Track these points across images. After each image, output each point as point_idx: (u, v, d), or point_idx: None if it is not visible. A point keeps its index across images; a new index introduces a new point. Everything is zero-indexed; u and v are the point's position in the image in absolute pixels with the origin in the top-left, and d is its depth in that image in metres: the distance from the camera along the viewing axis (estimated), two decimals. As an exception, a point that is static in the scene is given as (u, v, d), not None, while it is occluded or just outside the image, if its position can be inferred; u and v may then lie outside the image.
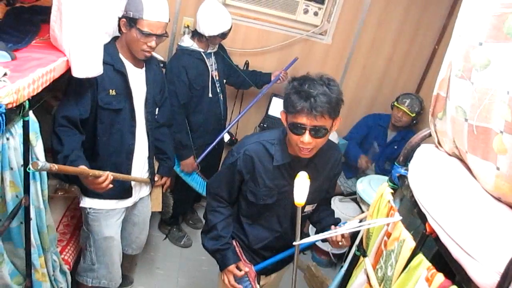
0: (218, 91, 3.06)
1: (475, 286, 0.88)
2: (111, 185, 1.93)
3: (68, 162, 1.84)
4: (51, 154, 1.90)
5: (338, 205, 3.34)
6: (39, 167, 1.44)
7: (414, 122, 3.29)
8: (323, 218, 2.07)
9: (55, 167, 1.54)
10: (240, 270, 1.91)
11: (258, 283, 2.00)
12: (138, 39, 1.98)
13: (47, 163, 1.49)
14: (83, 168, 1.81)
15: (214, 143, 3.07)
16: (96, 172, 1.86)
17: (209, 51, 2.94)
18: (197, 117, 2.98)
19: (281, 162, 1.81)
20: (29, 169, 1.45)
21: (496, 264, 0.84)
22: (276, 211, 1.94)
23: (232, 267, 1.91)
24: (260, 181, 1.85)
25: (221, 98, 3.11)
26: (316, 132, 1.61)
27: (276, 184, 1.86)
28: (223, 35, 2.83)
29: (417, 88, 3.67)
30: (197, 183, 3.15)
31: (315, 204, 2.00)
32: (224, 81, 3.13)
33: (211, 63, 2.97)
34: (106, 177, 1.89)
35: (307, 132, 1.61)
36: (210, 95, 2.95)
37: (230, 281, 1.91)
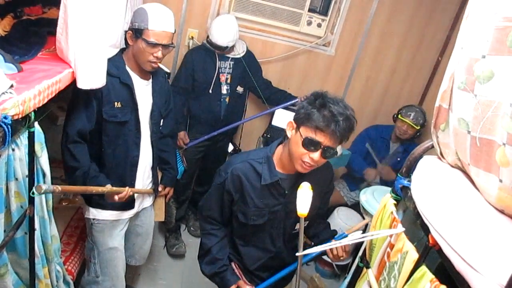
0: (225, 93, 3.19)
1: (479, 299, 0.87)
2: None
3: (88, 178, 1.97)
4: (56, 164, 1.92)
5: (342, 216, 3.32)
6: (43, 191, 1.48)
7: (418, 134, 3.29)
8: (320, 231, 2.04)
9: (58, 188, 1.58)
10: None
11: None
12: (144, 50, 1.99)
13: (51, 186, 1.55)
14: (87, 187, 1.92)
15: (206, 137, 3.18)
16: (114, 188, 2.01)
17: (228, 55, 3.11)
18: (194, 105, 3.20)
19: (269, 181, 1.76)
20: (33, 193, 1.47)
21: (499, 277, 0.84)
22: (268, 231, 1.91)
23: None
24: (249, 200, 1.80)
25: (226, 101, 3.21)
26: (326, 152, 1.60)
27: (266, 204, 1.82)
28: (217, 47, 2.99)
29: (420, 99, 3.67)
30: None
31: (307, 222, 1.96)
32: (240, 88, 3.25)
33: (225, 66, 3.13)
34: (127, 192, 2.08)
35: (320, 150, 1.59)
36: (210, 91, 3.11)
37: None
